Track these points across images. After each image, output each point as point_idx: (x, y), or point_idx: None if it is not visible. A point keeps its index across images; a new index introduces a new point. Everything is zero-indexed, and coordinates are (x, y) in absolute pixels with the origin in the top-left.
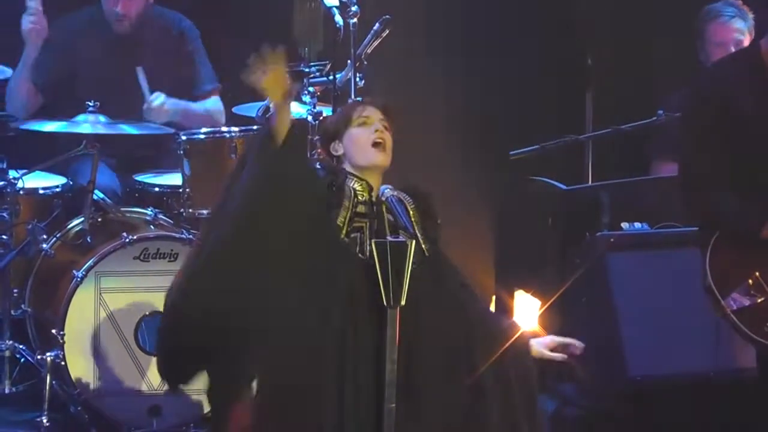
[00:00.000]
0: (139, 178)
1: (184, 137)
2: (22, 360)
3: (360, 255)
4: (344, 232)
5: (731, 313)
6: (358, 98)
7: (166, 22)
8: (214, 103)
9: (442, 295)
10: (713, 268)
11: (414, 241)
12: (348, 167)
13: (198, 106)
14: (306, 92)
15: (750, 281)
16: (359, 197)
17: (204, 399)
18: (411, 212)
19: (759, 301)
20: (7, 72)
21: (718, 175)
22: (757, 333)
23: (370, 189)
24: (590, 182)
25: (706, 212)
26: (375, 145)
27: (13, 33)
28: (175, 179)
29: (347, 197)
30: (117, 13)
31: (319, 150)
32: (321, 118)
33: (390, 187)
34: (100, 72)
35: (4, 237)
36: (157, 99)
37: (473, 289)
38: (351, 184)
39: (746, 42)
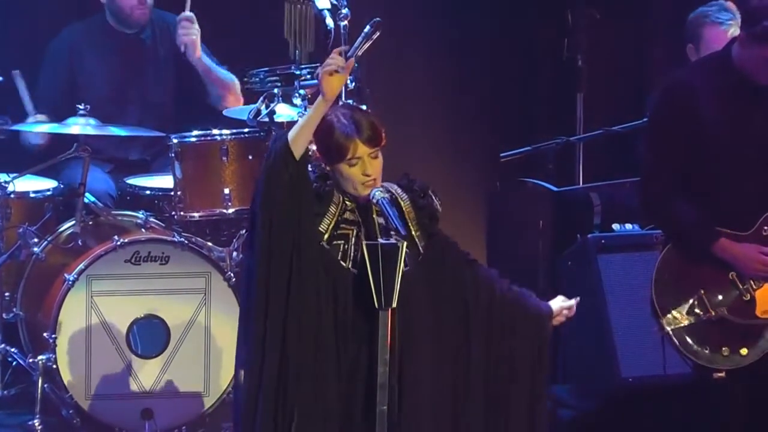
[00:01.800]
0: (131, 180)
1: (175, 140)
2: (14, 363)
3: (342, 263)
4: (326, 238)
5: (669, 333)
6: (350, 123)
7: (166, 20)
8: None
9: (439, 293)
10: (658, 281)
11: (405, 243)
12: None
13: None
14: (297, 95)
15: (693, 300)
16: (348, 205)
17: (195, 402)
18: (406, 211)
19: (701, 319)
20: None
21: (677, 183)
22: (691, 352)
23: (357, 199)
24: (581, 184)
25: (662, 221)
26: (364, 184)
27: None
28: (166, 182)
29: (334, 204)
30: None
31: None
32: None
33: (381, 188)
34: (111, 79)
35: None
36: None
37: (482, 267)
38: (338, 193)
39: None
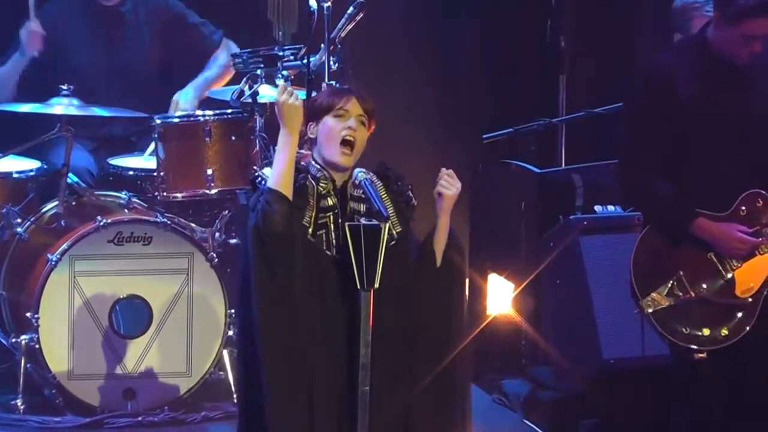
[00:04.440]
0: (114, 161)
1: (158, 121)
2: None
3: (327, 252)
4: (310, 231)
5: (649, 315)
6: (345, 87)
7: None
8: (225, 52)
9: (407, 273)
10: (637, 264)
11: (387, 225)
12: (315, 155)
13: (212, 72)
14: (280, 76)
15: (672, 281)
16: (322, 189)
17: (177, 382)
18: (384, 196)
19: (681, 300)
20: None
21: (655, 164)
22: (672, 333)
23: (333, 180)
24: (563, 165)
25: (640, 202)
26: (344, 143)
27: None
28: (149, 162)
29: (311, 195)
30: None
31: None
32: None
33: (363, 170)
34: (92, 52)
35: None
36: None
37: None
38: (315, 174)
39: None
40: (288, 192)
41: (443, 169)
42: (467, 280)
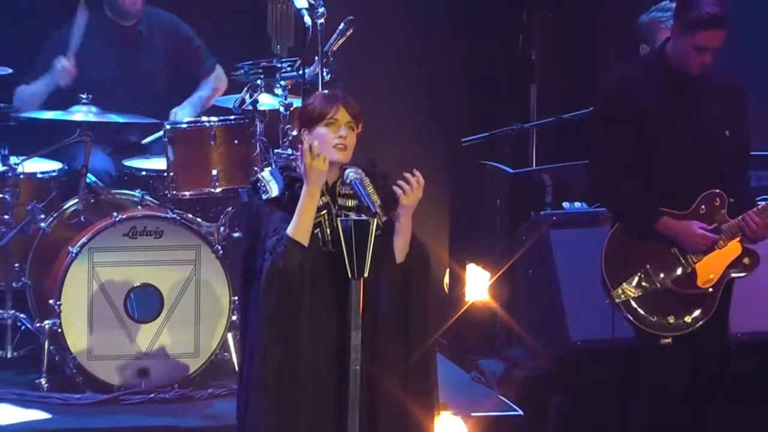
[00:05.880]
0: (128, 162)
1: (168, 126)
2: (23, 328)
3: (323, 248)
4: None
5: (619, 304)
6: (335, 93)
7: (161, 16)
8: (216, 76)
9: (392, 259)
10: (608, 258)
11: (375, 221)
12: None
13: (205, 92)
14: (278, 85)
15: (640, 274)
16: None
17: (186, 362)
18: (369, 192)
19: (648, 291)
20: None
21: (622, 166)
22: (641, 320)
23: (326, 180)
24: (534, 166)
25: (609, 202)
26: (335, 147)
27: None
28: (160, 164)
29: None
30: None
31: (294, 132)
32: (292, 109)
33: (353, 169)
34: (111, 66)
35: (6, 217)
36: (180, 114)
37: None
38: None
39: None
40: (305, 241)
41: (415, 172)
42: (447, 270)
